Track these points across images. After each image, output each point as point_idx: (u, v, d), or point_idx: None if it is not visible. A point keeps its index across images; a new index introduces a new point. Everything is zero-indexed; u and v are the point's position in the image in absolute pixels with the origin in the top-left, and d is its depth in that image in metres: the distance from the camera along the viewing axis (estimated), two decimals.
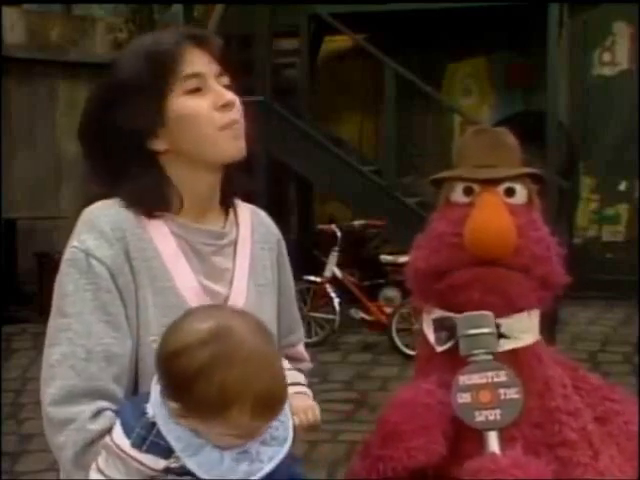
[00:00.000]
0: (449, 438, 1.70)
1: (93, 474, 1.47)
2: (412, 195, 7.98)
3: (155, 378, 1.47)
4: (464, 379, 1.63)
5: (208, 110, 1.58)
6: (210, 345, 1.40)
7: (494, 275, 1.73)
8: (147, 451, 1.43)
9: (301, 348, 1.86)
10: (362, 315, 7.57)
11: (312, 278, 7.56)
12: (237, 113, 1.61)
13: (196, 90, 1.58)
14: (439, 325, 1.78)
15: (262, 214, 1.80)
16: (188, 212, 1.64)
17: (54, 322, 1.57)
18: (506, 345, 1.73)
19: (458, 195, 1.83)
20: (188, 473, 1.44)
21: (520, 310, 1.77)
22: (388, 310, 7.40)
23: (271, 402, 1.43)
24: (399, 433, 1.72)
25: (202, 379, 1.39)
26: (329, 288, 7.54)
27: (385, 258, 7.77)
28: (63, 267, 1.59)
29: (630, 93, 9.19)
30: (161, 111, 1.57)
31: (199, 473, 1.42)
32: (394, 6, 8.06)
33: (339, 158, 7.98)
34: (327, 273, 7.59)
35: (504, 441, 1.65)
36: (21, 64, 8.96)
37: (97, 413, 1.50)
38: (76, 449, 1.49)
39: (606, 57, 9.59)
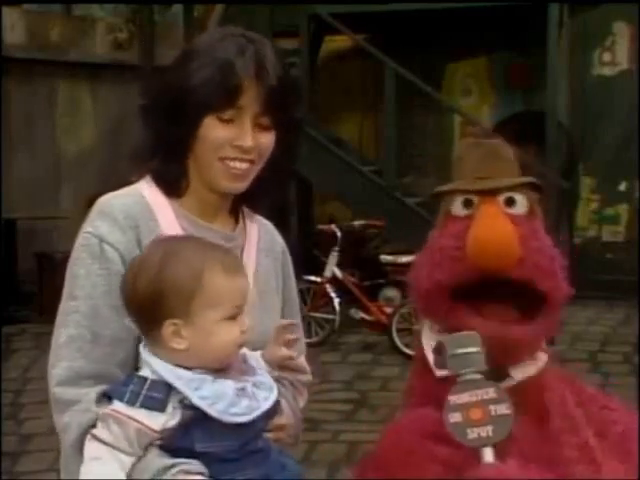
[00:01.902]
0: (440, 459, 1.69)
1: (87, 442, 1.48)
2: (412, 195, 7.98)
3: (142, 344, 1.53)
4: (454, 399, 1.62)
5: (223, 142, 1.61)
6: (160, 245, 1.53)
7: (497, 332, 1.73)
8: (142, 405, 1.45)
9: (302, 360, 1.85)
10: (362, 315, 7.57)
11: (312, 278, 7.56)
12: (252, 155, 1.63)
13: (229, 120, 1.60)
14: (439, 349, 1.77)
15: (269, 225, 1.83)
16: (200, 211, 1.68)
17: (63, 305, 1.60)
18: (509, 382, 1.74)
19: (457, 208, 1.82)
20: (184, 435, 1.46)
21: (525, 360, 1.78)
22: (388, 310, 7.40)
23: (234, 260, 1.55)
24: (387, 463, 1.74)
25: (169, 266, 1.48)
26: (329, 288, 7.54)
27: (385, 258, 7.77)
28: (75, 252, 1.62)
29: (630, 93, 9.19)
30: (200, 124, 1.61)
31: (205, 407, 1.45)
32: (394, 6, 8.06)
33: (339, 158, 7.98)
34: (327, 273, 7.59)
35: (499, 456, 1.65)
36: (21, 64, 8.95)
37: (102, 396, 1.53)
38: (80, 431, 1.51)
39: (606, 57, 9.59)
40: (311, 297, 7.56)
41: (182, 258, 1.49)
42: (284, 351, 1.63)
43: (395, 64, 7.85)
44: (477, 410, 1.61)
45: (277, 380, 1.68)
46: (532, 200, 1.84)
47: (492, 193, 1.79)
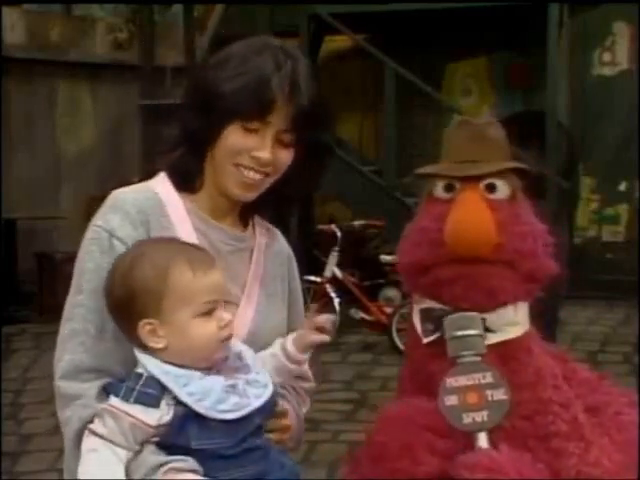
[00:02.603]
0: (439, 451, 1.69)
1: (85, 438, 1.50)
2: (412, 195, 7.96)
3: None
4: (451, 381, 1.63)
5: (241, 149, 1.62)
6: (134, 247, 1.56)
7: (477, 272, 1.72)
8: (136, 401, 1.47)
9: (306, 367, 1.86)
10: (362, 315, 7.57)
11: (312, 278, 7.55)
12: (267, 168, 1.64)
13: (252, 130, 1.61)
14: (425, 316, 1.78)
15: (276, 231, 1.84)
16: (211, 212, 1.70)
17: (70, 299, 1.61)
18: (492, 339, 1.74)
19: (439, 191, 1.82)
20: (178, 432, 1.47)
21: (505, 304, 1.77)
22: (388, 310, 7.40)
23: (203, 256, 1.54)
24: (384, 453, 1.73)
25: (137, 266, 1.50)
26: (329, 288, 7.54)
27: (385, 258, 7.77)
28: (85, 244, 1.63)
29: (630, 93, 9.19)
30: (224, 128, 1.62)
31: (191, 403, 1.46)
32: (394, 6, 8.05)
33: (339, 158, 7.97)
34: (327, 273, 7.60)
35: (492, 439, 1.65)
36: (21, 64, 8.95)
37: (102, 391, 1.54)
38: (80, 425, 1.53)
39: (606, 57, 9.59)
40: (311, 297, 7.55)
41: (148, 258, 1.51)
42: (314, 336, 1.65)
43: (395, 64, 7.84)
44: (473, 394, 1.61)
45: (281, 386, 1.68)
46: (514, 185, 1.83)
47: (473, 179, 1.79)
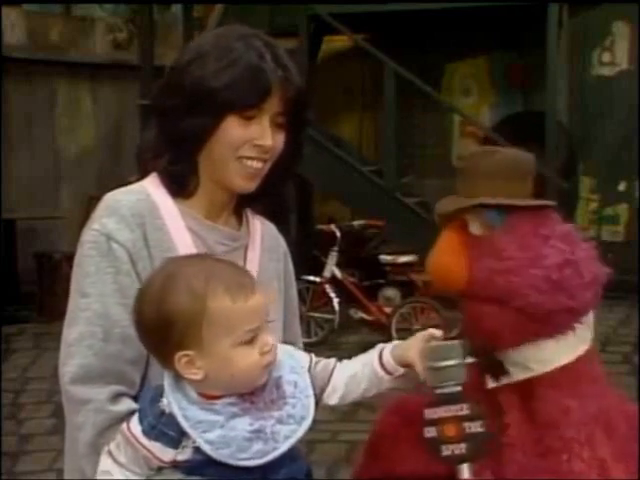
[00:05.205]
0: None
1: (103, 456, 1.49)
2: (412, 195, 7.98)
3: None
4: (429, 413, 1.59)
5: (243, 141, 1.60)
6: (160, 273, 1.47)
7: (472, 312, 1.72)
8: (155, 439, 1.44)
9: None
10: (362, 315, 7.57)
11: (312, 278, 7.55)
12: (268, 155, 1.63)
13: (250, 117, 1.60)
14: None
15: (271, 226, 1.82)
16: (206, 211, 1.67)
17: (73, 302, 1.60)
18: (517, 375, 1.72)
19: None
20: (195, 470, 1.44)
21: (508, 346, 1.75)
22: (388, 310, 7.40)
23: (242, 279, 1.46)
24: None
25: (170, 296, 1.42)
26: (329, 288, 7.54)
27: (385, 258, 7.77)
28: (83, 249, 1.61)
29: (630, 93, 9.18)
30: (221, 122, 1.60)
31: (209, 451, 1.42)
32: (394, 6, 8.06)
33: (339, 158, 7.98)
34: (327, 273, 7.59)
35: (477, 470, 1.62)
36: (21, 64, 8.96)
37: (116, 396, 1.54)
38: (95, 431, 1.52)
39: (606, 57, 9.58)
40: (310, 297, 7.55)
41: (183, 282, 1.43)
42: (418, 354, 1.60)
43: (395, 64, 7.84)
44: (451, 426, 1.56)
45: None
46: (489, 221, 1.82)
47: (457, 214, 1.80)
